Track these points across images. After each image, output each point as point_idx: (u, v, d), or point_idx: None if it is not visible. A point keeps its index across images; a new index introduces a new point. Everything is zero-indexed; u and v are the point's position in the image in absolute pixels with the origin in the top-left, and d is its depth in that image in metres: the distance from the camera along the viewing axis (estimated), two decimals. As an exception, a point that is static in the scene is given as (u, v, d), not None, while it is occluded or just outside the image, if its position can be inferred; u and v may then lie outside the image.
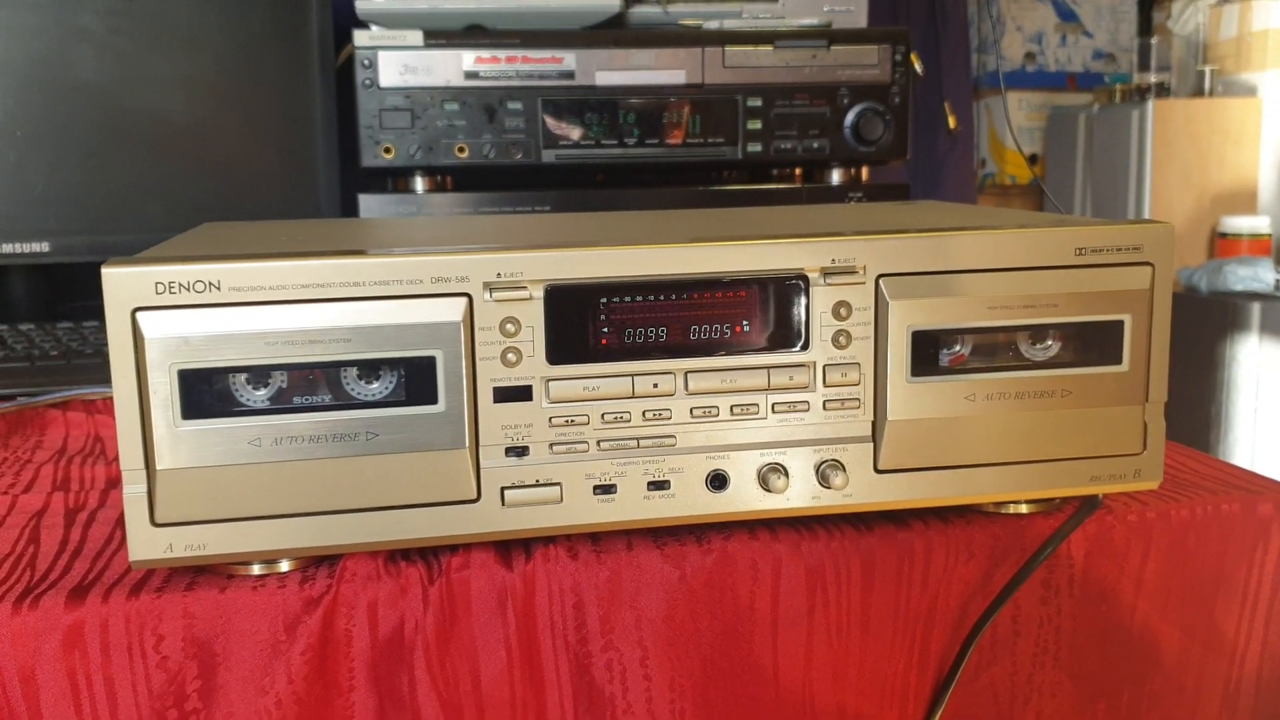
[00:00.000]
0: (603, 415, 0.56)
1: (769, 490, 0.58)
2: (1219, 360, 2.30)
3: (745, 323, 0.57)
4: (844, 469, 0.58)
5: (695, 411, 0.57)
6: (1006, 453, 0.60)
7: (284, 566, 0.57)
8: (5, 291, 1.22)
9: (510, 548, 0.59)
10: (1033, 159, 2.88)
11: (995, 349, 0.59)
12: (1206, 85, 2.59)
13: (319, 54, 1.17)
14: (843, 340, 0.58)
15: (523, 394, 0.55)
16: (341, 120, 1.19)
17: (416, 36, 1.06)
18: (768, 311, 0.57)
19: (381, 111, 1.06)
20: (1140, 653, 0.66)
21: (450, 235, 0.67)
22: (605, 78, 1.08)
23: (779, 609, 0.61)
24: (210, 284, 0.52)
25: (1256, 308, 2.19)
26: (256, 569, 0.56)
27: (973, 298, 0.58)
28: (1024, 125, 2.88)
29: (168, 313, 0.52)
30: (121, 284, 0.51)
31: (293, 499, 0.54)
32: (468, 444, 0.54)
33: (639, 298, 0.56)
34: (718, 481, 0.58)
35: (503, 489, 0.56)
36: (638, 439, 0.57)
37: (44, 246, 1.13)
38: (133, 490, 0.52)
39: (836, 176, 1.15)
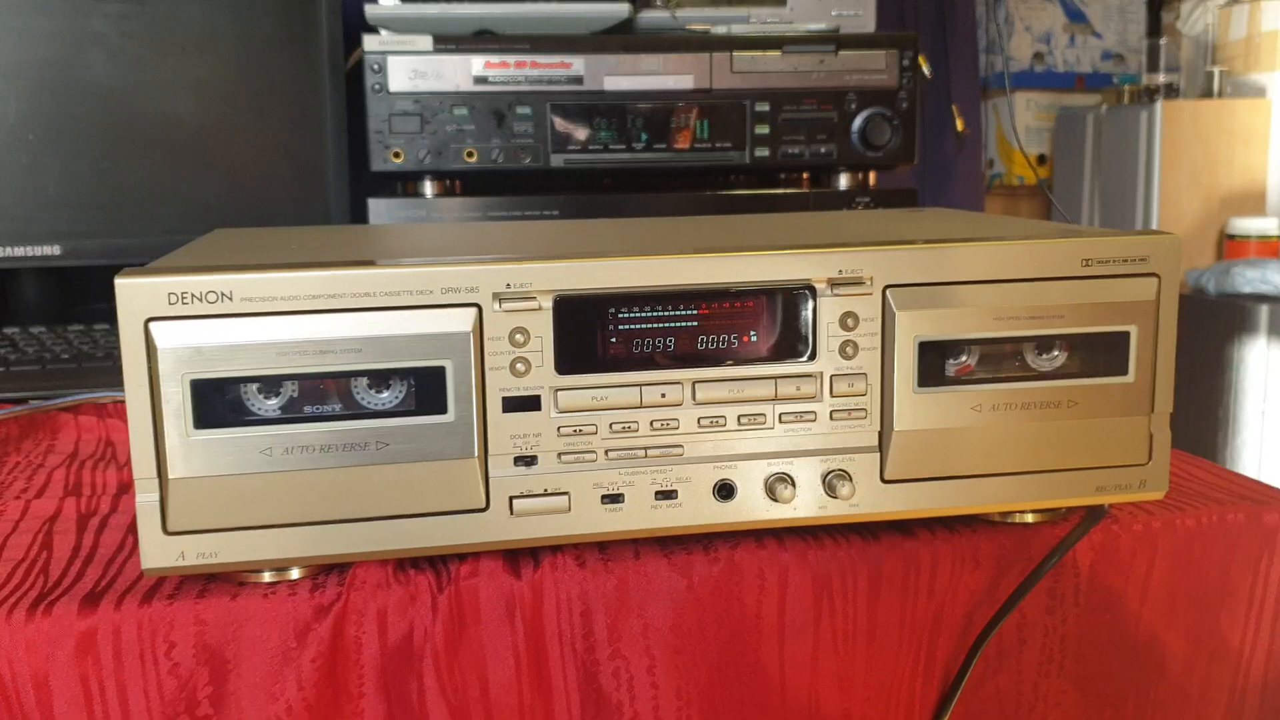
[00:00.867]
0: (611, 425, 0.56)
1: (776, 500, 0.58)
2: (1227, 363, 2.30)
3: (753, 333, 0.57)
4: (850, 479, 0.59)
5: (703, 421, 0.58)
6: (1012, 463, 0.60)
7: (295, 574, 0.57)
8: (17, 294, 1.23)
9: (518, 556, 0.59)
10: (1041, 159, 2.87)
11: (1001, 359, 0.59)
12: (1215, 86, 2.59)
13: (329, 58, 1.18)
14: (850, 351, 0.58)
15: (531, 404, 0.56)
16: (351, 124, 1.19)
17: (426, 41, 1.06)
18: (775, 322, 0.57)
19: (391, 116, 1.07)
20: (1145, 661, 0.66)
21: (459, 244, 0.67)
22: (614, 83, 1.08)
23: (785, 618, 0.61)
24: (222, 294, 0.52)
25: (1265, 310, 2.19)
26: (267, 576, 0.57)
27: (979, 308, 0.58)
28: (1032, 126, 2.87)
29: (180, 323, 0.52)
30: (134, 294, 0.52)
31: (303, 508, 0.54)
32: (477, 453, 0.55)
33: (647, 308, 0.56)
34: (725, 491, 0.58)
35: (511, 498, 0.56)
36: (645, 449, 0.57)
37: (55, 249, 1.14)
38: (145, 499, 0.53)
39: (844, 181, 1.15)
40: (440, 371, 0.54)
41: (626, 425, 0.57)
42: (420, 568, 0.58)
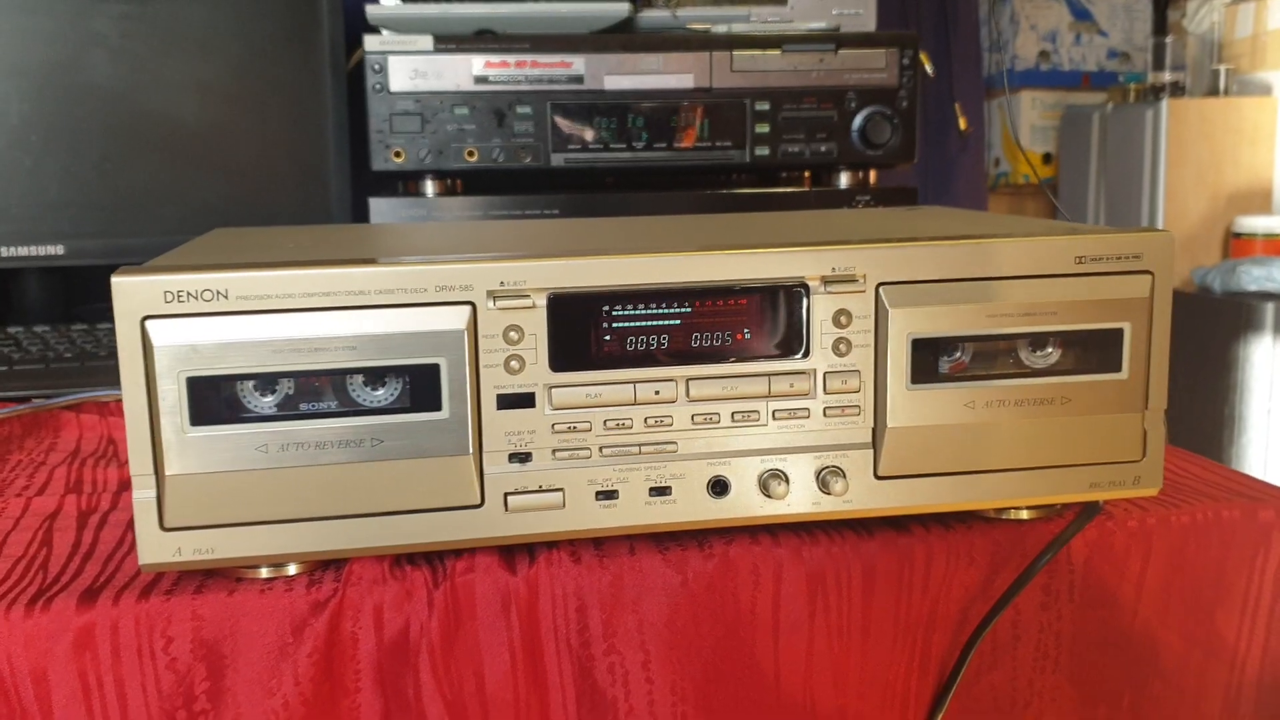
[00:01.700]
0: (605, 422, 0.57)
1: (770, 496, 0.59)
2: (1232, 361, 2.29)
3: (746, 330, 0.58)
4: (844, 475, 0.59)
5: (696, 418, 0.58)
6: (1006, 459, 0.60)
7: (291, 570, 0.58)
8: (20, 294, 1.24)
9: (514, 552, 0.60)
10: (1047, 158, 2.87)
11: (995, 356, 0.60)
12: (1221, 84, 2.59)
13: (330, 58, 1.18)
14: (843, 348, 0.58)
15: (526, 401, 0.56)
16: (353, 124, 1.19)
17: (426, 41, 1.07)
18: (769, 319, 0.58)
19: (392, 116, 1.07)
20: (1140, 658, 0.66)
21: (455, 243, 0.67)
22: (614, 82, 1.08)
23: (780, 614, 0.61)
24: (218, 292, 0.53)
25: (1270, 308, 2.18)
26: (264, 572, 0.57)
27: (972, 306, 0.58)
28: (1038, 124, 2.87)
29: (176, 321, 0.53)
30: (131, 293, 0.52)
31: (299, 504, 0.54)
32: (471, 450, 0.55)
33: (640, 306, 0.56)
34: (719, 487, 0.58)
35: (506, 494, 0.56)
36: (639, 445, 0.57)
37: (58, 249, 1.14)
38: (142, 495, 0.53)
39: (844, 180, 1.15)
40: (435, 369, 0.54)
41: (620, 422, 0.57)
42: (416, 564, 0.59)
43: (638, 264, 0.56)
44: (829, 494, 0.59)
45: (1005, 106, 2.68)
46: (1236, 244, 2.45)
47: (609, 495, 0.57)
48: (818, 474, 0.59)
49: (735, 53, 1.09)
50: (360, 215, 1.16)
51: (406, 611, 0.57)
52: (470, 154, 1.07)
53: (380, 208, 1.09)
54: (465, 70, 1.07)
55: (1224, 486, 0.70)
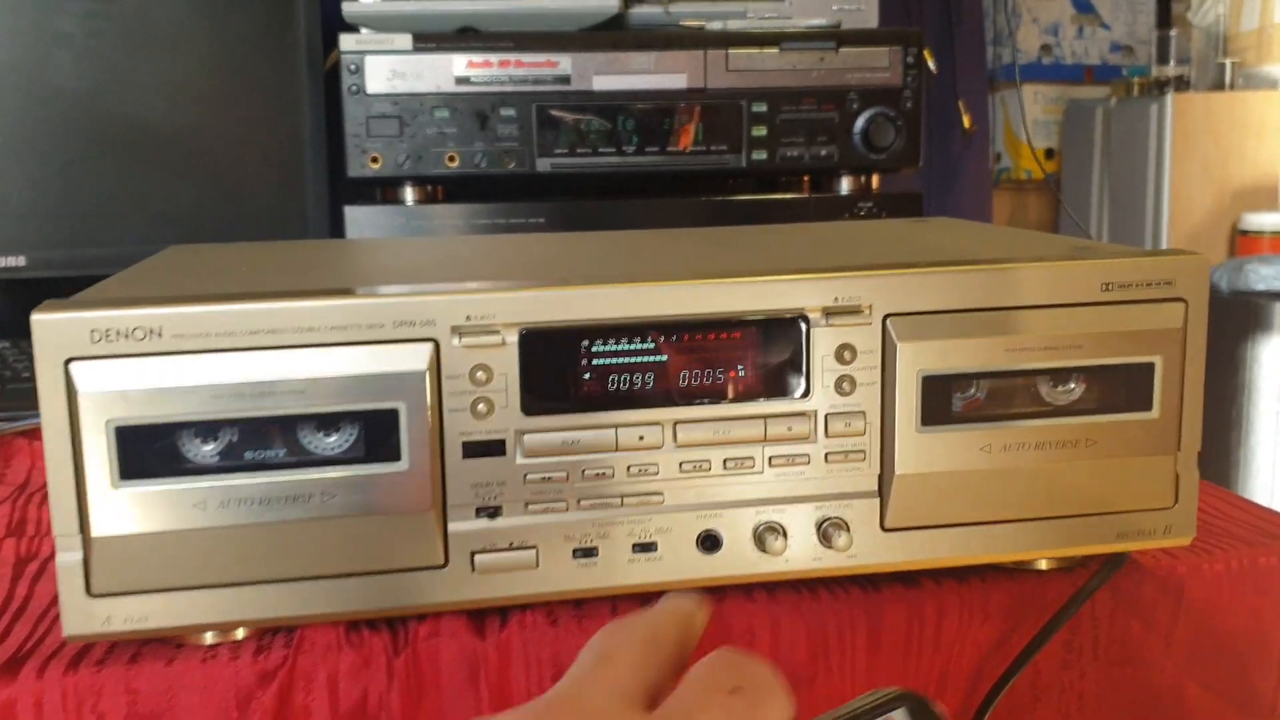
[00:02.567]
0: (583, 471, 0.51)
1: (765, 552, 0.53)
2: (1240, 361, 2.25)
3: (740, 368, 0.52)
4: (847, 528, 0.54)
5: (685, 466, 0.52)
6: (1025, 508, 0.55)
7: (238, 635, 0.52)
8: (-19, 306, 1.18)
9: (484, 614, 0.54)
10: (1049, 153, 2.82)
11: (1013, 395, 0.54)
12: (1227, 78, 2.53)
13: (307, 58, 1.13)
14: (846, 386, 0.53)
15: (495, 449, 0.50)
16: (332, 127, 1.14)
17: (405, 40, 1.01)
18: (764, 355, 0.52)
19: (368, 119, 1.01)
20: (1168, 714, 0.61)
21: (422, 267, 0.62)
22: (603, 82, 1.03)
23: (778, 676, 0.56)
24: (150, 331, 0.47)
25: (1278, 307, 2.14)
26: (208, 638, 0.52)
27: (989, 339, 0.53)
28: (1040, 119, 2.82)
29: (104, 363, 0.47)
30: (52, 331, 0.47)
31: (243, 567, 0.49)
32: (434, 504, 0.50)
33: (623, 341, 0.51)
34: (709, 542, 0.53)
35: (473, 553, 0.51)
36: (622, 496, 0.52)
37: (20, 260, 1.09)
38: (66, 559, 0.48)
39: (846, 185, 1.10)
40: (393, 415, 0.49)
41: (600, 471, 0.51)
42: (375, 628, 0.53)
43: (619, 294, 0.51)
44: (831, 548, 0.54)
45: (1008, 101, 2.63)
46: (1243, 241, 2.41)
47: (588, 553, 0.52)
48: (818, 526, 0.54)
49: (731, 51, 1.04)
50: (339, 222, 1.11)
51: (364, 681, 0.52)
52: (451, 159, 1.01)
53: (356, 217, 1.04)
54: (446, 70, 1.01)
55: (1259, 528, 0.64)
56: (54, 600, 0.57)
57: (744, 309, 0.52)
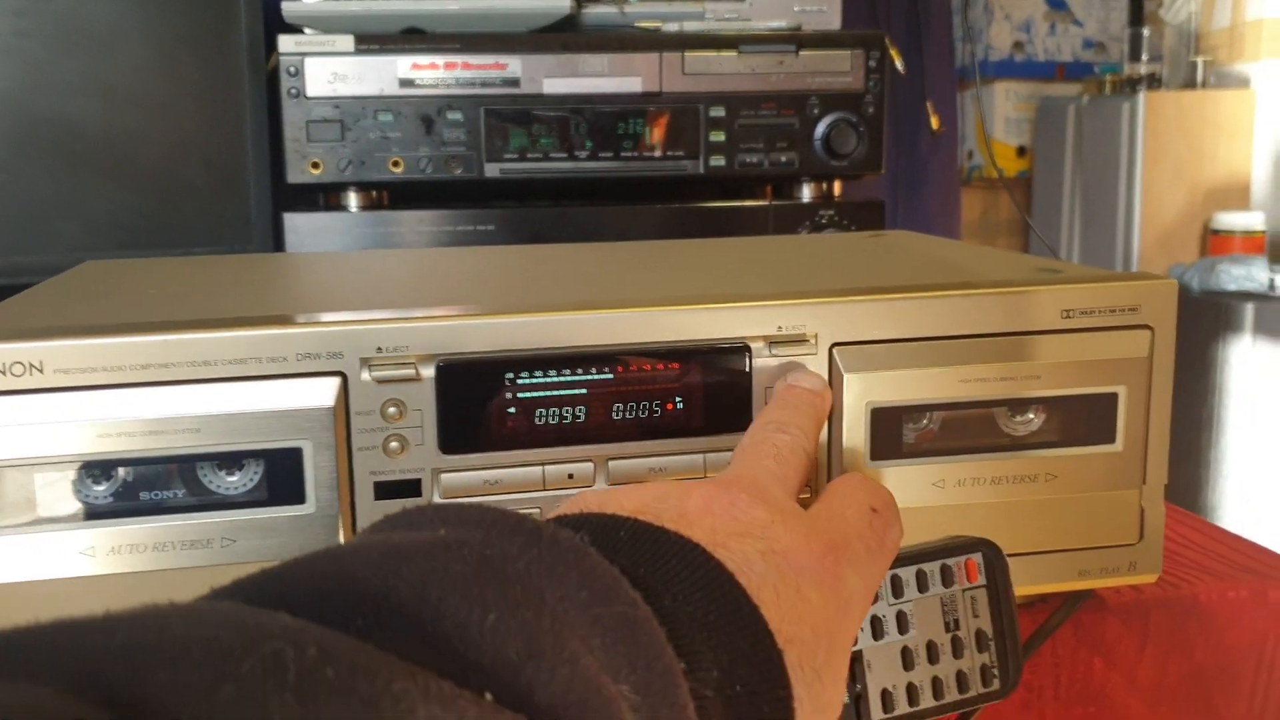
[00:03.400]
0: (507, 512, 0.48)
1: (705, 594, 0.50)
2: (1211, 362, 2.24)
3: (678, 400, 0.49)
4: (792, 569, 0.50)
5: (617, 505, 0.49)
6: (982, 546, 0.52)
7: (141, 682, 0.49)
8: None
9: (404, 661, 0.51)
10: (1021, 151, 2.80)
11: (968, 427, 0.51)
12: (1199, 76, 2.52)
13: (249, 60, 1.08)
14: (790, 420, 0.49)
15: (410, 489, 0.47)
16: (275, 132, 1.10)
17: (347, 41, 0.97)
18: (704, 387, 0.49)
19: (308, 123, 0.97)
20: (1134, 757, 0.58)
21: (336, 291, 0.58)
22: (554, 85, 0.99)
23: None
24: (31, 365, 0.43)
25: (1250, 308, 2.14)
26: (107, 687, 0.48)
27: (942, 369, 0.50)
28: (1012, 116, 2.80)
29: (-20, 400, 0.43)
30: (-78, 366, 0.43)
31: (135, 617, 0.45)
32: (344, 551, 0.46)
33: (550, 373, 0.47)
34: (644, 585, 0.49)
35: (388, 601, 0.47)
36: (549, 538, 0.48)
37: (-54, 269, 1.04)
38: (-63, 613, 0.44)
39: (807, 192, 1.07)
40: (296, 454, 0.45)
41: (527, 512, 0.48)
42: (287, 677, 0.50)
43: (546, 323, 0.47)
44: (775, 590, 0.50)
45: (980, 98, 2.61)
46: (1215, 241, 2.40)
47: (513, 598, 0.48)
48: (761, 567, 0.50)
49: (687, 54, 1.00)
50: (282, 231, 1.06)
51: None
52: (396, 164, 0.97)
53: (296, 224, 0.99)
54: (390, 73, 0.97)
55: (1229, 559, 0.62)
56: (-56, 648, 0.53)
57: (682, 338, 0.48)
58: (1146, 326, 0.51)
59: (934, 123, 1.82)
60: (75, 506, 0.44)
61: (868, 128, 1.02)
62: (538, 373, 0.47)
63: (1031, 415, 0.51)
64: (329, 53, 0.97)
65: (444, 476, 0.47)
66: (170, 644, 0.21)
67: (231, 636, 0.21)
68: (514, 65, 0.98)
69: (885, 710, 0.42)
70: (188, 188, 1.09)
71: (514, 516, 0.30)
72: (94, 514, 0.44)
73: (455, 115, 0.97)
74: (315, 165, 0.97)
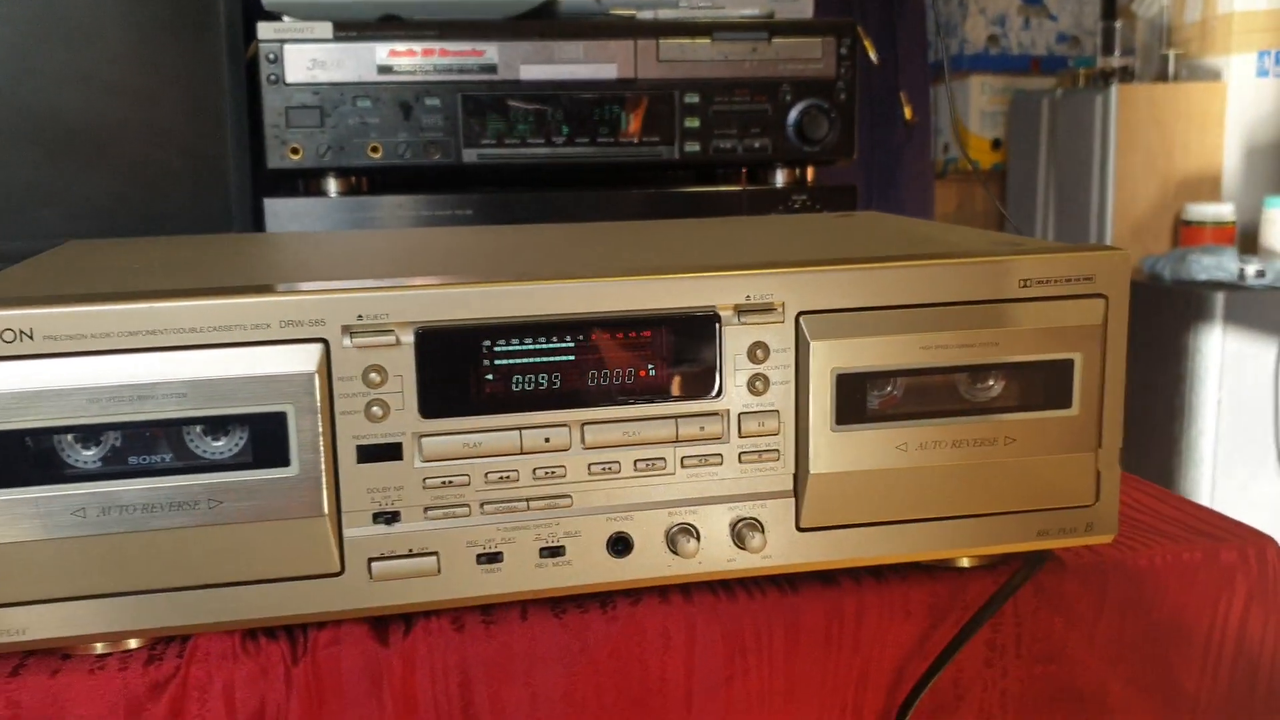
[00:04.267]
0: (486, 475, 0.49)
1: (678, 554, 0.52)
2: (1182, 351, 2.27)
3: (650, 367, 0.50)
4: (762, 529, 0.52)
5: (593, 468, 0.51)
6: (943, 507, 0.54)
7: (131, 644, 0.50)
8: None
9: (388, 621, 0.52)
10: (996, 143, 2.83)
11: (930, 393, 0.53)
12: (1171, 69, 2.55)
13: (228, 46, 1.09)
14: (759, 385, 0.51)
15: (391, 452, 0.48)
16: (254, 119, 1.10)
17: (325, 28, 0.98)
18: (675, 354, 0.51)
19: (288, 109, 0.98)
20: (1092, 713, 0.60)
21: (318, 264, 0.59)
22: (531, 71, 1.00)
23: (694, 679, 0.55)
24: (21, 332, 0.45)
25: (1220, 297, 2.16)
26: (98, 647, 0.50)
27: (904, 336, 0.52)
28: (987, 109, 2.83)
29: (-28, 366, 0.44)
30: (-83, 333, 0.44)
31: (127, 576, 0.47)
32: (327, 510, 0.48)
33: (527, 340, 0.49)
34: (620, 546, 0.51)
35: (370, 560, 0.49)
36: (527, 500, 0.50)
37: (-73, 255, 1.05)
38: (-68, 572, 0.45)
39: (780, 177, 1.08)
40: (280, 418, 0.47)
41: (504, 474, 0.50)
42: (273, 635, 0.51)
43: (523, 291, 0.49)
44: (745, 549, 0.52)
45: (955, 91, 2.63)
46: (1186, 231, 2.43)
47: (492, 558, 0.50)
48: (732, 527, 0.52)
49: (662, 41, 1.02)
50: (262, 216, 1.07)
51: (261, 690, 0.50)
52: (374, 150, 0.99)
53: (276, 209, 1.00)
54: (368, 59, 0.98)
55: (1183, 523, 0.64)
56: (-65, 613, 0.54)
57: (654, 307, 0.50)
58: (1101, 295, 0.53)
59: (907, 113, 1.84)
60: (65, 469, 0.46)
61: (840, 114, 1.04)
62: (515, 340, 0.49)
63: (991, 381, 0.53)
64: (308, 39, 0.98)
65: (424, 440, 0.49)
66: None
67: None
68: (491, 52, 0.99)
69: None
70: (168, 174, 1.10)
71: None
72: (83, 476, 0.46)
73: (433, 101, 0.99)
74: (295, 151, 0.98)
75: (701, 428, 0.51)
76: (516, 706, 0.53)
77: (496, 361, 0.49)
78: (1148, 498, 0.68)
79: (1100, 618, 0.59)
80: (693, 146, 1.03)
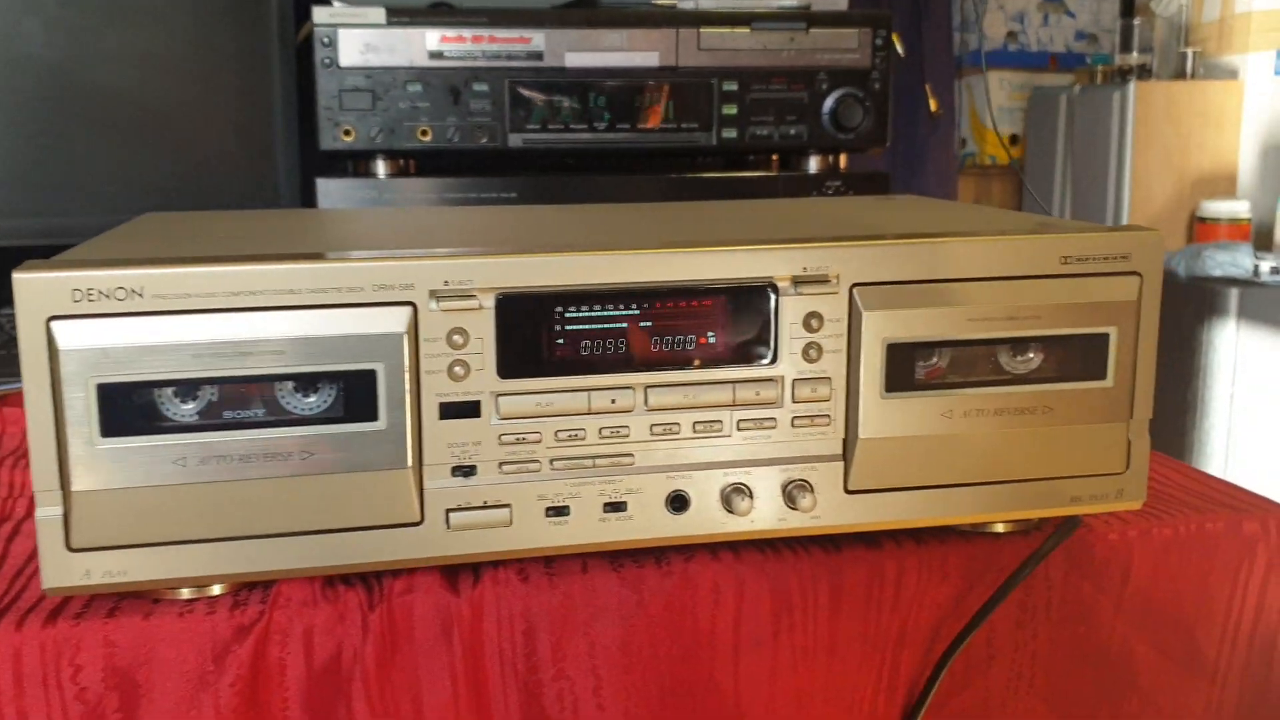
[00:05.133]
0: (556, 433, 0.53)
1: (732, 512, 0.55)
2: (1196, 346, 2.28)
3: (710, 334, 0.54)
4: (812, 490, 0.55)
5: (655, 429, 0.54)
6: (983, 472, 0.57)
7: (215, 590, 0.53)
8: (-50, 274, 1.17)
9: (457, 571, 0.56)
10: (1013, 139, 2.85)
11: (974, 363, 0.56)
12: (1188, 67, 2.57)
13: (278, 31, 1.13)
14: (813, 353, 0.54)
15: (471, 410, 0.52)
16: (303, 101, 1.14)
17: (379, 14, 1.01)
18: (734, 322, 0.54)
19: (341, 92, 1.02)
20: (1118, 675, 0.63)
21: (397, 235, 0.63)
22: (575, 59, 1.04)
23: (741, 633, 0.58)
24: (132, 290, 0.48)
25: (1234, 293, 2.17)
26: (185, 593, 0.53)
27: (951, 309, 0.55)
28: (1005, 105, 2.84)
29: (85, 322, 0.48)
30: (35, 290, 0.47)
31: (221, 523, 0.50)
32: (410, 463, 0.51)
33: (596, 307, 0.52)
34: (678, 503, 0.55)
35: (448, 511, 0.52)
36: (593, 458, 0.53)
37: (-12, 229, 1.08)
38: (46, 513, 0.49)
39: (814, 164, 1.11)
40: (371, 375, 0.50)
41: (573, 433, 0.53)
42: (350, 583, 0.55)
43: (593, 262, 0.52)
44: (795, 509, 0.55)
45: (974, 86, 2.65)
46: (1201, 228, 2.44)
47: (560, 511, 0.53)
48: (784, 488, 0.55)
49: (702, 30, 1.05)
50: (309, 195, 1.11)
51: (339, 635, 0.53)
52: (424, 133, 1.02)
53: (328, 189, 1.04)
54: (419, 45, 1.01)
55: (1207, 496, 0.67)
56: (30, 557, 0.58)
57: (715, 277, 0.53)
58: (1136, 273, 0.56)
59: (933, 105, 1.86)
60: (168, 420, 0.49)
61: (873, 103, 1.07)
62: (585, 306, 0.52)
63: (1031, 353, 0.56)
64: (362, 24, 1.01)
65: (501, 399, 0.52)
66: None
67: None
68: (538, 39, 1.03)
69: None
70: (220, 154, 1.13)
71: None
72: (185, 427, 0.49)
73: (481, 87, 1.02)
74: (347, 133, 1.02)
75: (757, 393, 0.54)
76: (576, 654, 0.56)
77: (568, 327, 0.52)
78: (1172, 472, 0.71)
79: (1126, 584, 0.62)
80: (729, 133, 1.06)
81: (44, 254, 0.54)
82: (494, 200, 1.04)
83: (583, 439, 0.53)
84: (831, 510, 0.56)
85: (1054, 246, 0.55)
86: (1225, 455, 2.26)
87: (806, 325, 0.54)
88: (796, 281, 0.54)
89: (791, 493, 0.55)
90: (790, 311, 0.54)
